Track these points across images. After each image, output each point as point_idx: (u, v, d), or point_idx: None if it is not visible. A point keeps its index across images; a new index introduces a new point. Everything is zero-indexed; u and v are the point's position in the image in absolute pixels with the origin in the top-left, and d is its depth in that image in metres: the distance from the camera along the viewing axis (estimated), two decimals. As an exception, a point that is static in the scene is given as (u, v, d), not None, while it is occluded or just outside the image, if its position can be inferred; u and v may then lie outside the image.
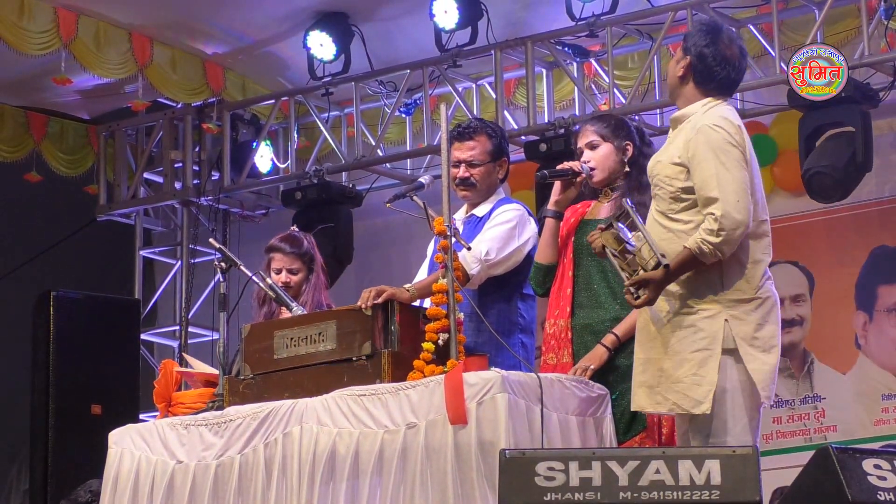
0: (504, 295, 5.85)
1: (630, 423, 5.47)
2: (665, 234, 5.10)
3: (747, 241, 5.07)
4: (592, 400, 5.40)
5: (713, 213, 4.96)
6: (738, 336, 5.02)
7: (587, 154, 5.69)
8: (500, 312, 5.83)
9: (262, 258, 6.76)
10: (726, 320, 5.03)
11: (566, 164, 5.71)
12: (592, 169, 5.66)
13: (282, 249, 6.66)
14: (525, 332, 5.85)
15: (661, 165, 5.15)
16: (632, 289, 5.00)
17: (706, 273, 5.04)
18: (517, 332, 5.85)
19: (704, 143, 5.05)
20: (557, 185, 5.70)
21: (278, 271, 6.62)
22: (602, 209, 5.72)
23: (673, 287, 5.05)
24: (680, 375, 5.03)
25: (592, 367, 5.46)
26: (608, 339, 5.51)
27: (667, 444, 5.39)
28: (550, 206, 5.71)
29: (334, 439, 5.33)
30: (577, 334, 5.61)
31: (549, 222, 5.71)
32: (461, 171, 5.93)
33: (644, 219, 5.18)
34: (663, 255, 4.96)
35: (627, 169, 5.68)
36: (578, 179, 5.67)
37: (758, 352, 5.04)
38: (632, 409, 5.24)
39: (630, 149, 5.69)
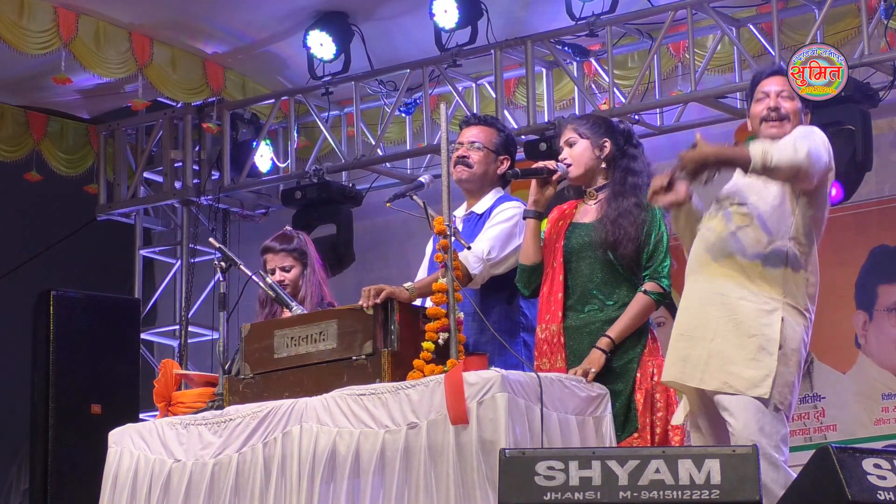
0: (506, 294, 5.85)
1: (623, 424, 5.47)
2: None
3: (815, 257, 5.21)
4: (592, 399, 5.40)
5: (800, 142, 5.05)
6: (790, 338, 5.12)
7: (565, 151, 5.72)
8: (502, 312, 5.83)
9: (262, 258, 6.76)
10: (783, 319, 5.12)
11: (542, 163, 5.73)
12: (569, 166, 5.68)
13: (272, 249, 6.66)
14: (528, 331, 5.85)
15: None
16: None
17: (774, 272, 5.12)
18: (520, 331, 5.84)
19: (814, 130, 5.22)
20: (533, 184, 5.71)
21: (272, 271, 6.61)
22: (587, 211, 5.72)
23: (736, 277, 5.12)
24: (736, 358, 5.08)
25: (594, 370, 5.46)
26: (603, 342, 5.50)
27: (660, 445, 5.39)
28: (529, 206, 5.71)
29: (334, 439, 5.33)
30: (570, 337, 5.60)
31: (529, 223, 5.71)
32: (461, 151, 5.95)
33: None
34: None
35: (604, 165, 5.68)
36: (555, 178, 5.67)
37: (787, 360, 5.12)
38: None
39: (608, 146, 5.69)
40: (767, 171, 5.02)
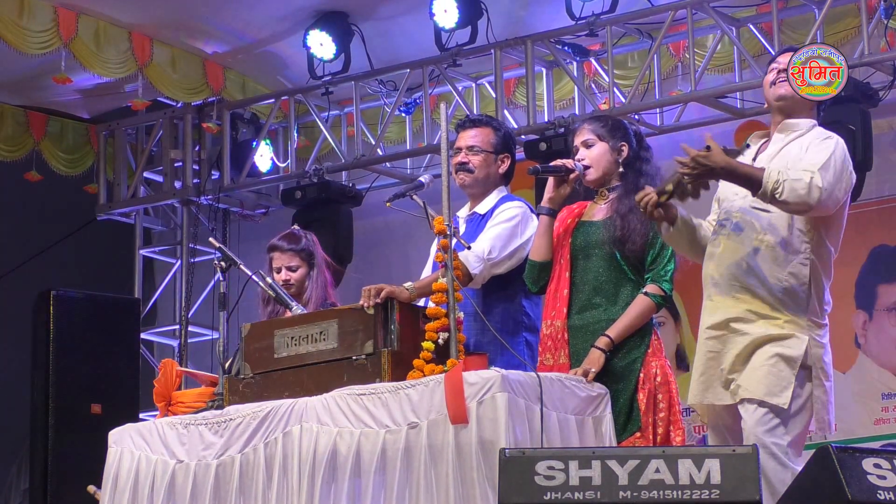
0: (508, 293, 5.85)
1: (625, 424, 5.47)
2: None
3: (830, 267, 5.14)
4: (592, 399, 5.40)
5: (817, 177, 4.92)
6: (815, 356, 5.08)
7: (582, 152, 5.71)
8: (504, 311, 5.83)
9: (262, 257, 6.76)
10: (809, 338, 5.07)
11: (560, 162, 5.73)
12: (587, 167, 5.68)
13: (279, 247, 6.67)
14: (530, 330, 5.85)
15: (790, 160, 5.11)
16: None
17: (797, 291, 5.07)
18: (522, 330, 5.85)
19: (836, 144, 5.11)
20: (551, 181, 5.72)
21: (278, 270, 6.62)
22: (598, 210, 5.73)
23: (762, 297, 5.06)
24: (756, 365, 5.02)
25: (594, 370, 5.46)
26: (602, 341, 5.50)
27: (661, 445, 5.39)
28: (544, 202, 5.72)
29: (335, 439, 5.33)
30: (573, 335, 5.61)
31: (542, 219, 5.73)
32: (460, 156, 5.96)
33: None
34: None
35: (622, 170, 5.69)
36: (572, 177, 5.68)
37: (824, 378, 5.11)
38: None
39: (625, 150, 5.70)
40: (774, 201, 4.95)
